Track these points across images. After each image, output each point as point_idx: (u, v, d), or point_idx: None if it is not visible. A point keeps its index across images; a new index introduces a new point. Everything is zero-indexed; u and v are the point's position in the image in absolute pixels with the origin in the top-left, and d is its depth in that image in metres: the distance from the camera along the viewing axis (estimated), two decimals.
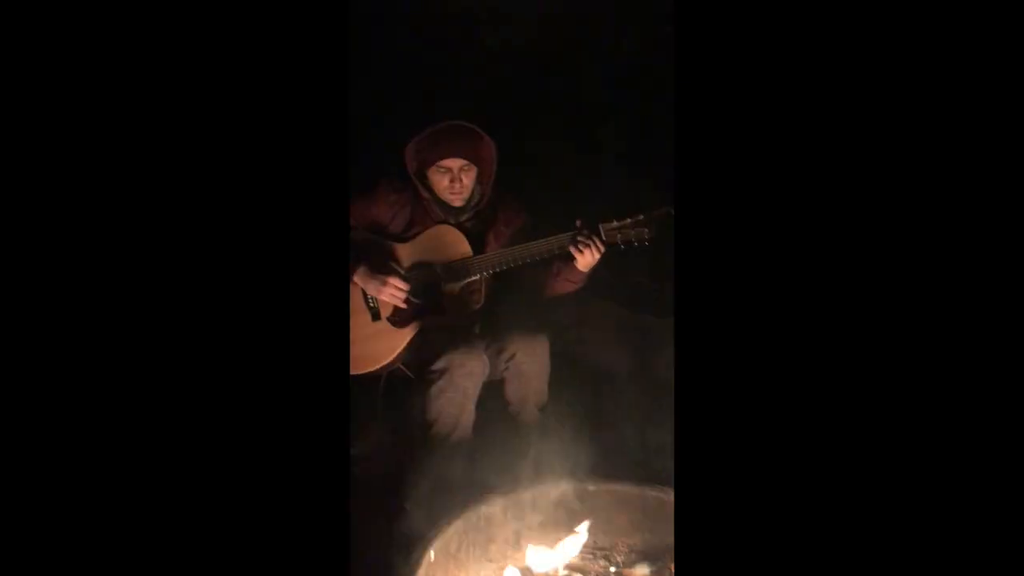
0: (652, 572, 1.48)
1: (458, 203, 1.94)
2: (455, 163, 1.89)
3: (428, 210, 1.97)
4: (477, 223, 2.00)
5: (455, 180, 1.90)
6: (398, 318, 1.93)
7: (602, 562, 1.58)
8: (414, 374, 1.93)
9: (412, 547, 1.34)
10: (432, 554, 1.37)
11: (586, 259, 1.82)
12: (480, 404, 1.89)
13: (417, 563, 1.31)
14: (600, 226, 1.82)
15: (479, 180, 1.96)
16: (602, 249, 1.82)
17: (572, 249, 1.82)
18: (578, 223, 1.83)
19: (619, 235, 1.81)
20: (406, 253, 1.97)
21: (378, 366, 1.94)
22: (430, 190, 1.95)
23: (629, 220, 1.81)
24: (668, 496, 1.56)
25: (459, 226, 1.97)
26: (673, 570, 1.44)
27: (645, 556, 1.56)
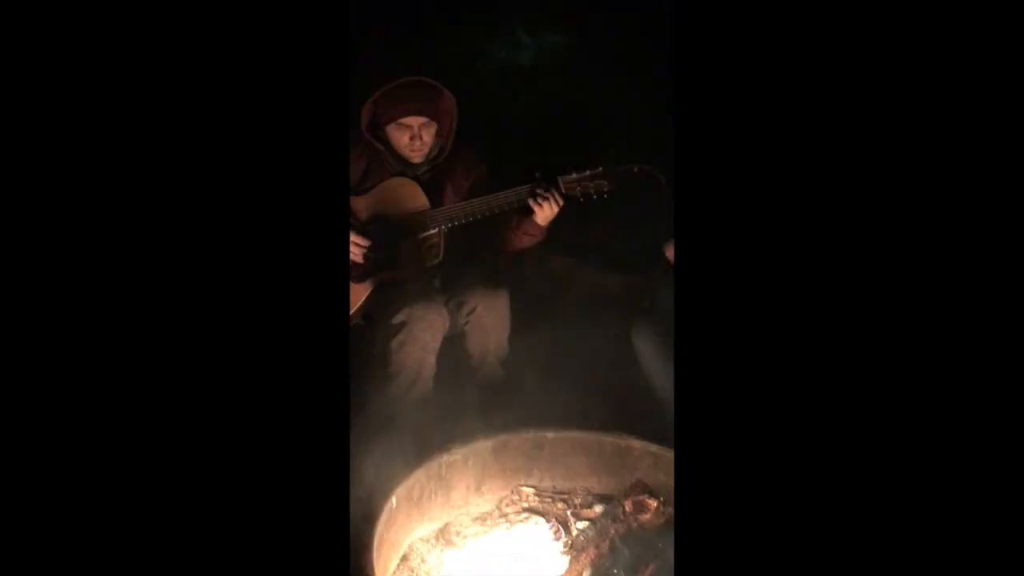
0: (605, 509, 1.54)
1: (418, 159, 1.92)
2: (415, 120, 1.85)
3: (384, 163, 1.94)
4: (435, 175, 1.98)
5: (415, 137, 1.87)
6: (356, 273, 1.91)
7: (560, 504, 1.63)
8: (374, 328, 1.93)
9: (373, 494, 1.36)
10: (394, 500, 1.39)
11: (545, 212, 1.82)
12: (440, 358, 1.90)
13: (379, 509, 1.33)
14: (559, 178, 1.82)
15: (438, 134, 1.93)
16: (561, 202, 1.82)
17: (531, 202, 1.82)
18: (536, 175, 1.82)
19: (578, 187, 1.82)
20: (362, 207, 1.94)
21: None
22: (387, 145, 1.91)
23: (588, 172, 1.81)
24: (624, 441, 1.61)
25: (416, 179, 1.95)
26: (627, 508, 1.50)
27: (602, 498, 1.62)
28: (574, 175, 1.81)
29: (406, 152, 1.90)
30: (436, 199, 1.94)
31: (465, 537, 1.55)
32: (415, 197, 1.93)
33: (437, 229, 1.92)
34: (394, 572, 1.43)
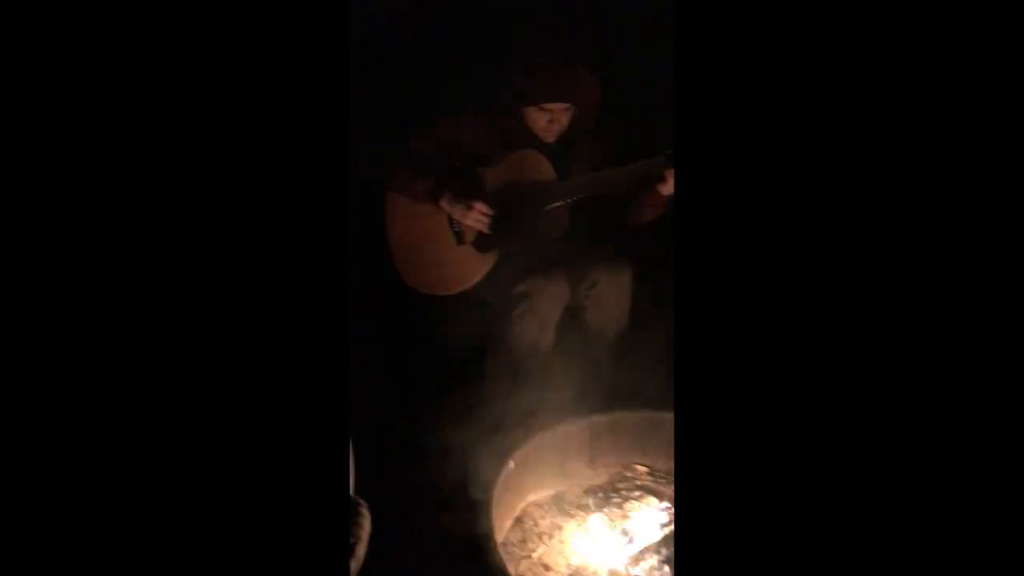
0: None
1: (551, 139, 1.93)
2: (557, 106, 1.86)
3: (515, 136, 1.96)
4: (562, 148, 1.98)
5: (554, 121, 1.88)
6: (481, 242, 1.96)
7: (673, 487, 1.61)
8: (495, 299, 1.97)
9: (492, 456, 1.40)
10: (511, 464, 1.43)
11: (671, 185, 1.78)
12: (560, 330, 1.92)
13: (498, 472, 1.38)
14: None
15: (575, 116, 1.92)
16: None
17: (660, 174, 1.78)
18: (667, 151, 1.78)
19: None
20: (491, 178, 1.98)
21: (460, 289, 1.99)
22: (518, 120, 1.93)
23: None
24: None
25: (545, 151, 1.95)
26: None
27: None
28: None
29: (541, 132, 1.91)
30: (563, 172, 1.94)
31: (578, 508, 1.57)
32: (542, 169, 1.94)
33: (563, 202, 1.92)
34: (508, 531, 1.48)
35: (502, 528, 1.44)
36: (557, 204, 1.93)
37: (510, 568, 1.22)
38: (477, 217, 1.90)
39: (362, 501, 1.06)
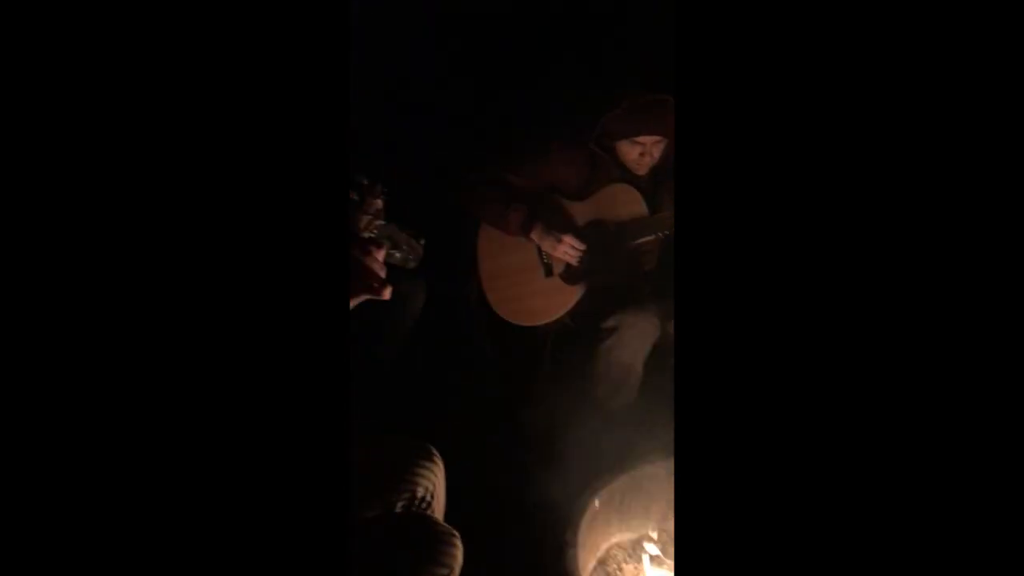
0: None
1: (643, 172, 1.92)
2: (649, 139, 1.85)
3: (607, 170, 1.97)
4: (654, 182, 1.96)
5: (645, 154, 1.87)
6: (570, 275, 1.96)
7: None
8: (583, 331, 1.96)
9: (578, 494, 1.38)
10: (596, 503, 1.40)
11: None
12: (648, 366, 1.88)
13: (583, 509, 1.35)
14: None
15: (667, 150, 1.91)
16: None
17: None
18: None
19: None
20: (581, 211, 1.98)
21: (547, 321, 1.99)
22: (611, 153, 1.93)
23: None
24: None
25: (636, 185, 1.94)
26: None
27: None
28: None
29: (632, 165, 1.91)
30: (655, 205, 1.92)
31: (661, 552, 1.52)
32: (634, 203, 1.93)
33: (654, 236, 1.90)
34: (591, 572, 1.45)
35: (585, 569, 1.41)
36: (648, 238, 1.90)
37: None
38: (567, 250, 1.90)
39: (455, 532, 1.07)
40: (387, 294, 1.05)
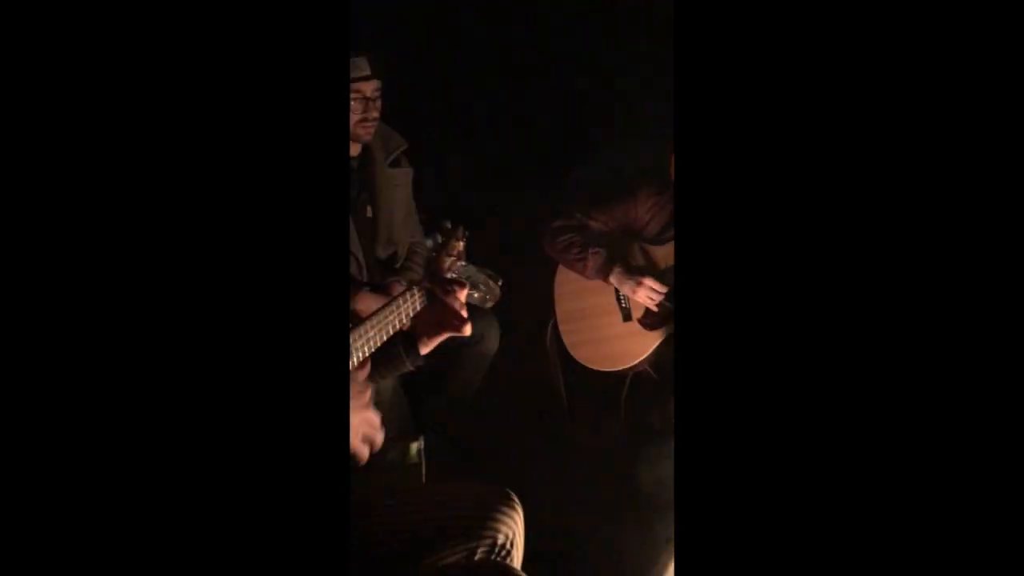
0: None
1: None
2: None
3: None
4: None
5: None
6: (650, 320, 1.95)
7: None
8: (662, 378, 1.93)
9: (648, 541, 1.35)
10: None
11: None
12: None
13: (655, 558, 1.32)
14: None
15: None
16: None
17: None
18: None
19: None
20: (662, 256, 1.98)
21: (625, 366, 1.97)
22: None
23: None
24: None
25: None
26: None
27: None
28: None
29: None
30: None
31: None
32: None
33: None
34: None
35: None
36: None
37: None
38: (647, 294, 1.89)
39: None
40: (467, 330, 1.10)
